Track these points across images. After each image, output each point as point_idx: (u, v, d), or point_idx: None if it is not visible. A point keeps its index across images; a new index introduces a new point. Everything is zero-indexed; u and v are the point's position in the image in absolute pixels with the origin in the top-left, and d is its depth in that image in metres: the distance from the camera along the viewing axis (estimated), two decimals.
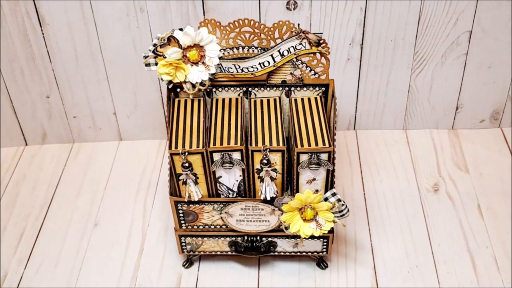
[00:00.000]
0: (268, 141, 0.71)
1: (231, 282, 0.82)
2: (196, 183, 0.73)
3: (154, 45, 0.72)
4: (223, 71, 0.76)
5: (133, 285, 0.82)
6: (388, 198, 0.93)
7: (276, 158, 0.71)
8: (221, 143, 0.71)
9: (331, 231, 0.77)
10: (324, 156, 0.70)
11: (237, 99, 0.78)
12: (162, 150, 1.04)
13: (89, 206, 0.94)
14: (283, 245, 0.80)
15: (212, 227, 0.78)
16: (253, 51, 0.75)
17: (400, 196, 0.93)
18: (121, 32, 0.93)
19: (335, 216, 0.72)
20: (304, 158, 0.70)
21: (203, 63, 0.73)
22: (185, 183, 0.73)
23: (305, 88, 0.78)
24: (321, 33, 0.75)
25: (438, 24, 0.92)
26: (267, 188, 0.72)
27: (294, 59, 0.75)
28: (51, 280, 0.83)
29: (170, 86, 0.76)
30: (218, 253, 0.82)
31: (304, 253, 0.81)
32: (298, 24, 0.74)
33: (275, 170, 0.72)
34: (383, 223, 0.89)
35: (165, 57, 0.72)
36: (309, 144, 0.70)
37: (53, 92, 1.00)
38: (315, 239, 0.79)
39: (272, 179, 0.72)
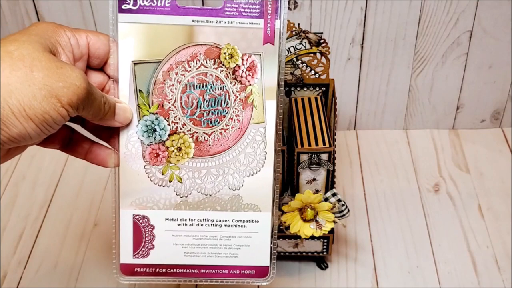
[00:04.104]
0: None
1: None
2: None
3: None
4: None
5: (133, 285, 0.82)
6: (388, 198, 0.93)
7: None
8: None
9: (332, 231, 0.77)
10: (324, 156, 0.70)
11: None
12: None
13: (89, 206, 0.94)
14: (283, 245, 0.80)
15: None
16: None
17: (401, 196, 0.93)
18: None
19: (335, 216, 0.71)
20: (304, 158, 0.70)
21: None
22: None
23: (305, 88, 0.78)
24: (321, 33, 0.75)
25: (438, 24, 0.92)
26: None
27: (294, 59, 0.75)
28: (51, 280, 0.83)
29: None
30: None
31: (304, 253, 0.81)
32: (298, 24, 0.74)
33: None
34: (383, 223, 0.89)
35: None
36: (309, 144, 0.70)
37: None
38: (315, 239, 0.78)
39: None
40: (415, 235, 0.87)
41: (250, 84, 0.48)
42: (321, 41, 0.73)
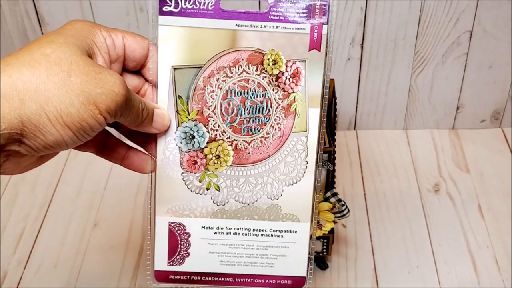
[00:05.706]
0: None
1: None
2: None
3: None
4: None
5: (133, 285, 0.82)
6: (388, 198, 0.93)
7: None
8: None
9: (332, 231, 0.77)
10: (324, 156, 0.70)
11: None
12: None
13: (89, 206, 0.94)
14: None
15: None
16: None
17: (401, 196, 0.93)
18: None
19: (335, 217, 0.71)
20: None
21: None
22: None
23: None
24: None
25: (438, 24, 0.92)
26: None
27: None
28: (51, 280, 0.83)
29: None
30: None
31: None
32: None
33: None
34: (383, 223, 0.89)
35: None
36: None
37: None
38: (315, 240, 0.78)
39: None
40: (415, 235, 0.87)
41: (293, 92, 0.47)
42: None
